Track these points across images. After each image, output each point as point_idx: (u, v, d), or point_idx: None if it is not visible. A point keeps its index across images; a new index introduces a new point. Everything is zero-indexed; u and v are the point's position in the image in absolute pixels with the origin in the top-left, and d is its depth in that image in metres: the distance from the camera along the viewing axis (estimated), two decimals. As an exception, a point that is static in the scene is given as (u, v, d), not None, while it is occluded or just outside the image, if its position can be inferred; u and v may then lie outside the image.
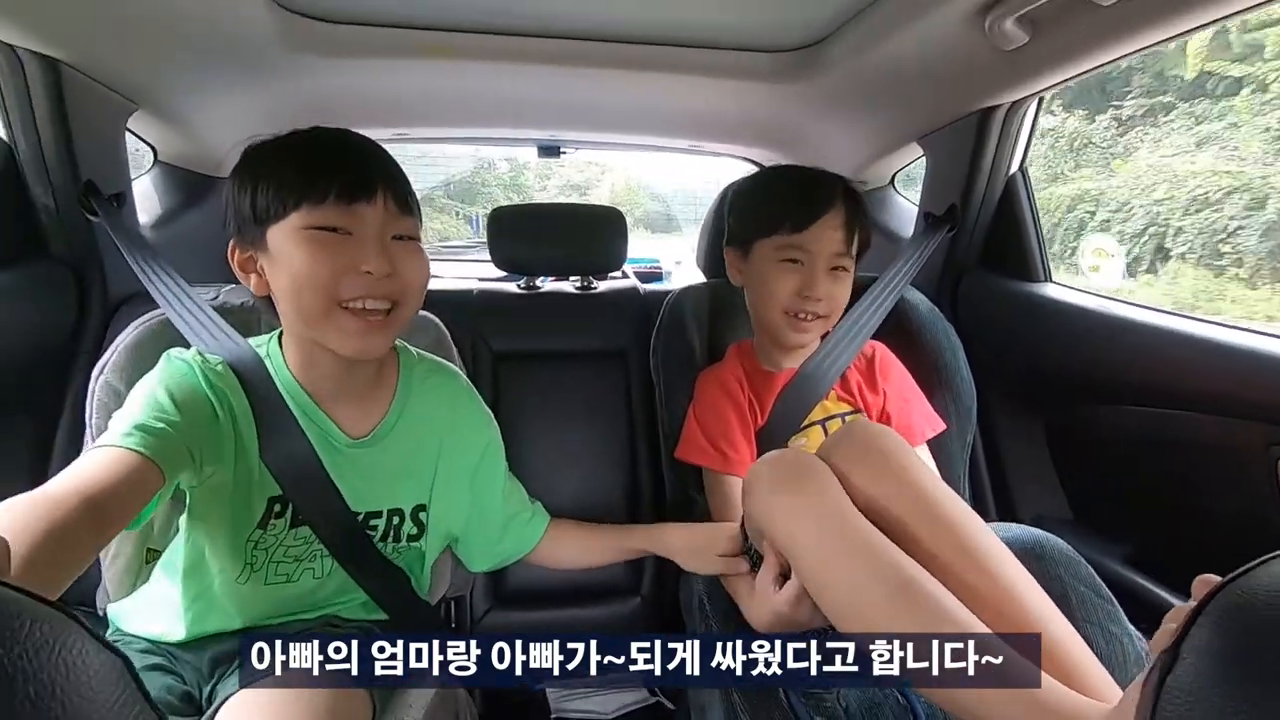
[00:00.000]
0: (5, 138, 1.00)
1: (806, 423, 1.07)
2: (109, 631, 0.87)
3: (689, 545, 0.98)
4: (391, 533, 0.89)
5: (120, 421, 0.70)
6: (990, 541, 0.75)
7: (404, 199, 0.79)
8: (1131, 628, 0.86)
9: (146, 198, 1.38)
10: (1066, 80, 1.06)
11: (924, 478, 0.79)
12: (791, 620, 0.78)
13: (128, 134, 1.19)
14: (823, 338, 1.13)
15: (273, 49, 1.14)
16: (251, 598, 0.81)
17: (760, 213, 1.08)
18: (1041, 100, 1.20)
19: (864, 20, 1.11)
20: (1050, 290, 1.27)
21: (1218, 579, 0.40)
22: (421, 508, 0.91)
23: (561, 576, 1.25)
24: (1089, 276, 1.38)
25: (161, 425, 0.70)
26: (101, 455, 0.65)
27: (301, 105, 1.32)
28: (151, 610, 0.83)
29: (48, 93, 0.96)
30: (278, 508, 0.82)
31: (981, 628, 0.66)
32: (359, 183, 0.76)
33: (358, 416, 0.87)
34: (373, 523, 0.87)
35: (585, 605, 1.30)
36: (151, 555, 0.91)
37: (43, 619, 0.30)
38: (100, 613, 0.91)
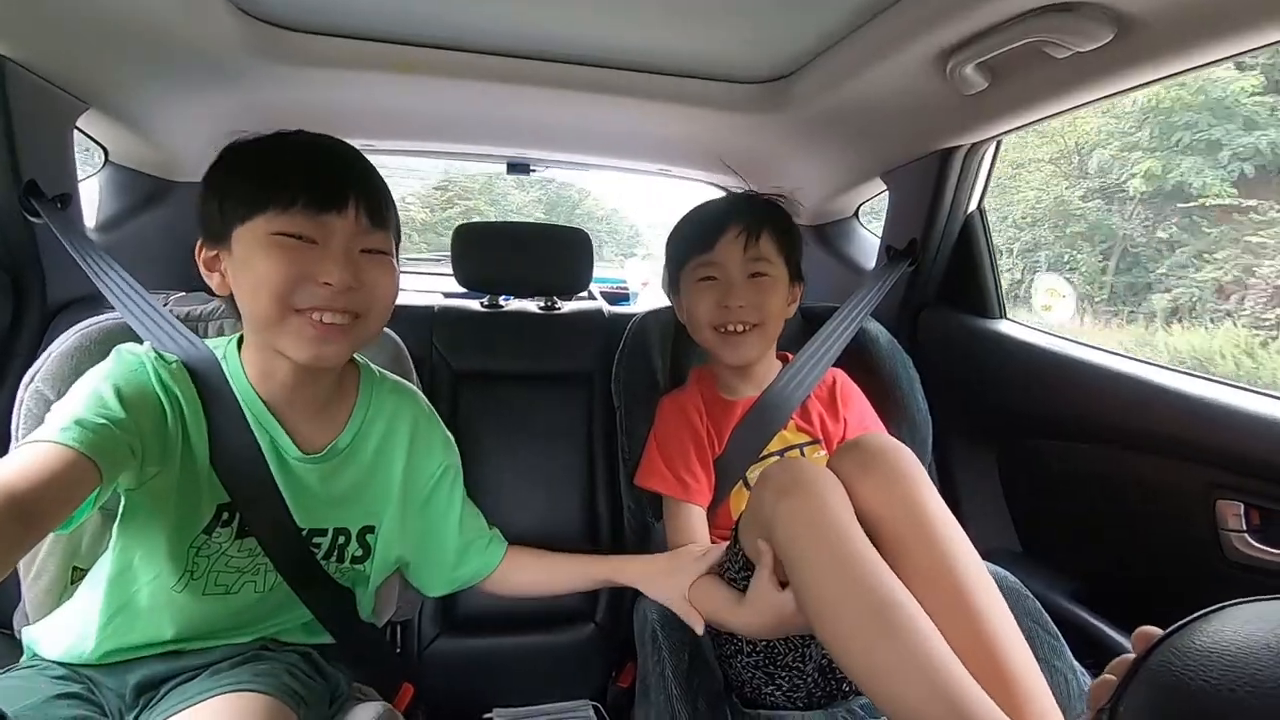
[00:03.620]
0: (-58, 134, 0.95)
1: (765, 453, 1.07)
2: (25, 657, 0.82)
3: (647, 572, 0.97)
4: (335, 552, 0.86)
5: (59, 416, 0.67)
6: (975, 568, 0.76)
7: (378, 212, 0.78)
8: (1075, 663, 0.88)
9: (96, 199, 1.33)
10: (1024, 125, 1.10)
11: (925, 498, 0.79)
12: (792, 624, 0.79)
13: (79, 133, 1.15)
14: (784, 364, 1.14)
15: (234, 54, 1.11)
16: (185, 608, 0.78)
17: (678, 247, 1.12)
18: (1000, 142, 1.24)
19: (830, 58, 1.13)
20: (1005, 327, 1.30)
21: (1158, 631, 0.40)
22: (369, 529, 0.89)
23: (513, 602, 1.22)
24: (1042, 315, 1.42)
25: (103, 422, 0.67)
26: (33, 451, 0.62)
27: (264, 111, 1.29)
28: (68, 628, 0.79)
29: None
30: (225, 515, 0.80)
31: (951, 659, 0.67)
32: (330, 192, 0.74)
33: (313, 431, 0.85)
34: (316, 540, 0.85)
35: (538, 632, 1.27)
36: (77, 574, 0.86)
37: None
38: (17, 636, 0.86)
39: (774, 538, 0.78)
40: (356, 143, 1.61)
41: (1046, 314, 1.41)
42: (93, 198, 1.32)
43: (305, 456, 0.83)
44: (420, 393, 0.99)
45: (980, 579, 0.76)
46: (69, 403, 0.70)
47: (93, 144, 1.28)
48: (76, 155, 1.14)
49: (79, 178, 1.15)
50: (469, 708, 1.23)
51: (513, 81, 1.26)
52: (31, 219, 1.02)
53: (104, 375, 0.74)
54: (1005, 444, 1.31)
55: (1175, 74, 0.87)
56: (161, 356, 0.79)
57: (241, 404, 0.80)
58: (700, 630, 0.90)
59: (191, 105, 1.24)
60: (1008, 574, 0.96)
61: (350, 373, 0.90)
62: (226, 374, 0.81)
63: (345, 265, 0.74)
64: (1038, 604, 0.93)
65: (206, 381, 0.80)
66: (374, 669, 0.93)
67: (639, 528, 1.16)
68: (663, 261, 1.17)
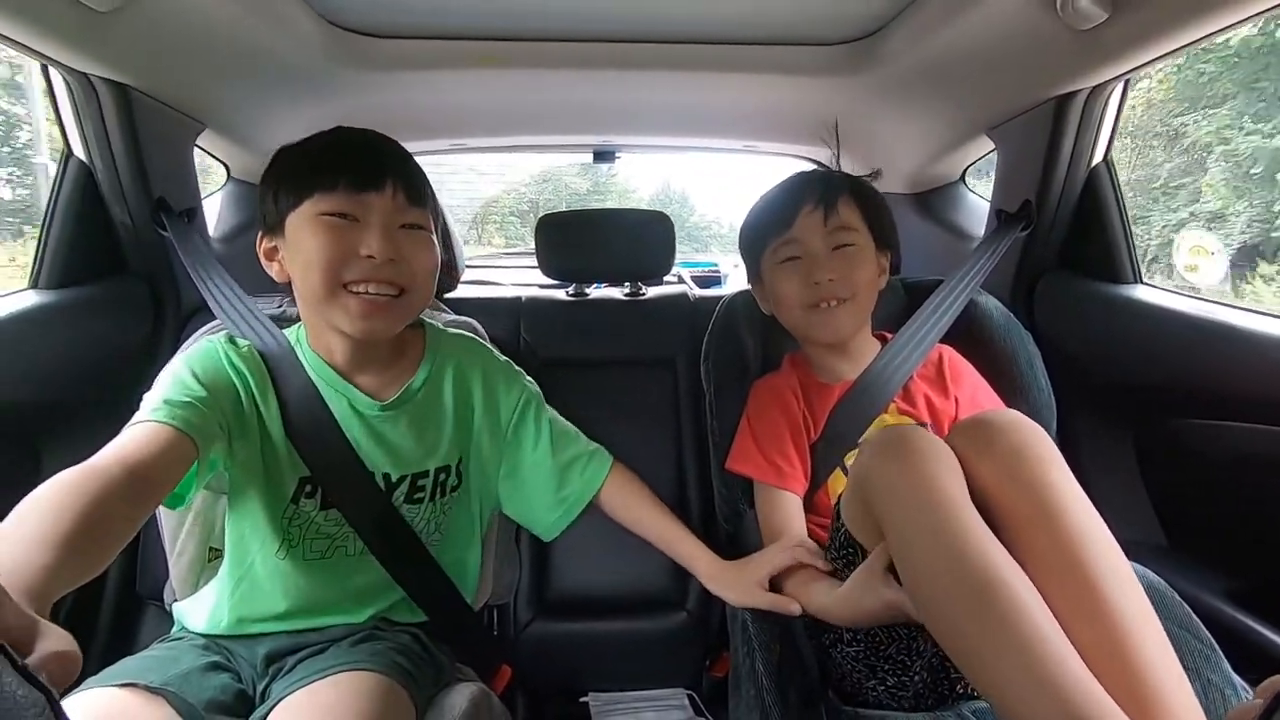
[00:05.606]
0: (85, 159, 1.07)
1: (863, 439, 1.01)
2: (174, 629, 0.91)
3: (714, 574, 0.94)
4: (438, 489, 0.91)
5: (150, 401, 0.76)
6: (1114, 563, 0.67)
7: (415, 191, 0.84)
8: (1235, 677, 0.77)
9: (222, 213, 1.46)
10: (1154, 60, 0.96)
11: (1058, 483, 0.71)
12: (894, 617, 0.74)
13: (204, 153, 1.26)
14: (883, 344, 1.07)
15: (325, 65, 1.18)
16: (293, 576, 0.85)
17: (755, 232, 1.08)
18: (1129, 82, 1.09)
19: (922, 6, 1.05)
20: (1141, 292, 1.15)
21: None
22: (462, 460, 0.94)
23: (606, 587, 1.23)
24: (1186, 277, 1.25)
25: (188, 399, 0.76)
26: (138, 430, 0.70)
27: (359, 119, 1.34)
28: (207, 601, 0.88)
29: (119, 116, 1.02)
30: (308, 488, 0.86)
31: (1066, 650, 0.60)
32: (369, 173, 0.81)
33: (383, 384, 0.91)
34: (420, 483, 0.90)
35: (630, 617, 1.27)
36: (214, 554, 0.95)
37: None
38: (167, 609, 0.96)
39: (874, 505, 0.73)
40: (447, 141, 1.68)
41: (1191, 275, 1.23)
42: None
43: (382, 405, 0.89)
44: (487, 343, 1.04)
45: (1119, 576, 0.66)
46: (156, 390, 0.79)
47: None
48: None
49: (207, 193, 1.26)
50: (565, 690, 1.25)
51: (593, 66, 1.27)
52: (162, 233, 1.12)
53: (183, 361, 0.83)
54: (1144, 424, 1.16)
55: None
56: (233, 341, 0.88)
57: (311, 372, 0.87)
58: (796, 611, 0.85)
59: (292, 119, 1.33)
60: (1149, 571, 0.85)
61: (413, 330, 0.95)
62: (299, 353, 0.89)
63: (385, 239, 0.80)
64: (1186, 607, 0.82)
65: (276, 359, 0.88)
66: (472, 648, 0.96)
67: (731, 514, 1.13)
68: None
